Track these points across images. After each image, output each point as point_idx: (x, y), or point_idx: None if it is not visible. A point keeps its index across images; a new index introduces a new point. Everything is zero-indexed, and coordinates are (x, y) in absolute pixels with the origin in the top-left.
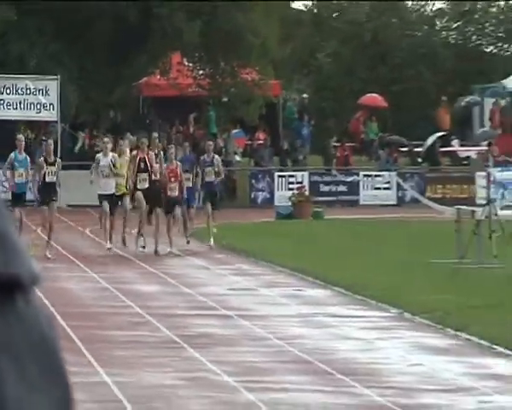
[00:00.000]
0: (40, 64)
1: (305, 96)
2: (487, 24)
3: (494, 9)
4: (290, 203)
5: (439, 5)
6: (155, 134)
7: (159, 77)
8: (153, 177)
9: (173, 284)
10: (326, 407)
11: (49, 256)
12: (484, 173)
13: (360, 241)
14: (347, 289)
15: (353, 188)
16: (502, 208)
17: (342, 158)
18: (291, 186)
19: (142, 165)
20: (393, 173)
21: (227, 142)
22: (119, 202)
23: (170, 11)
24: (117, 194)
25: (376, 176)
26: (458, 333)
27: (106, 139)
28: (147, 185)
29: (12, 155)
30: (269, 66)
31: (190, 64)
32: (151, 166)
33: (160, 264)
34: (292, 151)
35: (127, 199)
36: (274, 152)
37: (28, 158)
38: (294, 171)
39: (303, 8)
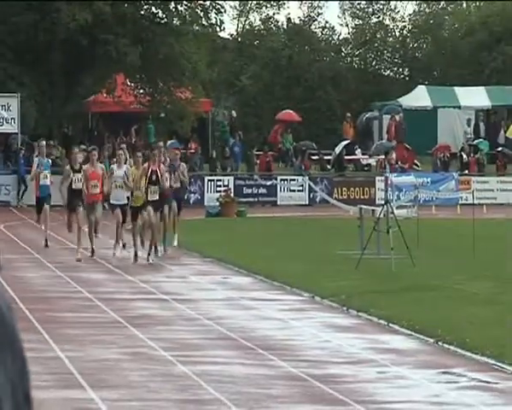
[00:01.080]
0: (2, 84)
1: (234, 114)
2: (385, 51)
3: (391, 39)
4: (218, 204)
5: (344, 35)
6: (161, 144)
7: (105, 95)
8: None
9: (118, 273)
10: (248, 377)
11: (81, 255)
12: (382, 178)
13: (278, 235)
14: (267, 277)
15: (272, 190)
16: (397, 208)
17: (263, 165)
18: (219, 189)
19: (154, 177)
20: (306, 178)
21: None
22: (139, 213)
23: (114, 37)
24: (136, 205)
25: (291, 180)
26: (360, 314)
27: (120, 151)
28: (157, 197)
29: (36, 159)
30: (199, 86)
31: (132, 84)
32: (161, 177)
33: (107, 255)
34: (219, 159)
35: (151, 210)
36: (204, 160)
37: (50, 161)
38: (222, 176)
39: (228, 36)
